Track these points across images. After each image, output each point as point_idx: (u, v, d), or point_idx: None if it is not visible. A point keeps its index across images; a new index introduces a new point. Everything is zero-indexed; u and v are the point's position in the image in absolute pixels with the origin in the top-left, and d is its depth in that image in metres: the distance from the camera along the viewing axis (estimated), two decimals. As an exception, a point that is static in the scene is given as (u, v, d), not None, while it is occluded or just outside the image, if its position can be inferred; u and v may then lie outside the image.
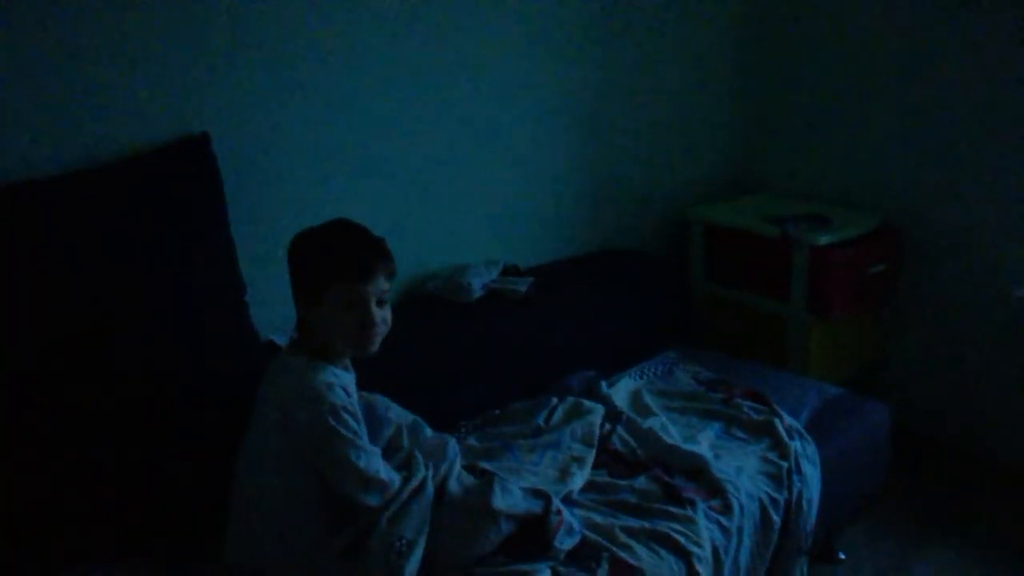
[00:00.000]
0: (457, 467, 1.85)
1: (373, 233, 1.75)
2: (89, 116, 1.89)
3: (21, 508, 1.65)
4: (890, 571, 2.54)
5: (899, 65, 2.96)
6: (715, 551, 1.90)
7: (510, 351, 2.44)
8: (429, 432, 1.97)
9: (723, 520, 1.96)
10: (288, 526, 1.66)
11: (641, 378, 2.58)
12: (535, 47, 2.67)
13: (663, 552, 1.83)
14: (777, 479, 2.11)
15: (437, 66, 2.45)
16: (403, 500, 1.69)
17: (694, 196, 3.26)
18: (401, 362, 2.15)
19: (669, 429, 2.26)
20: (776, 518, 2.06)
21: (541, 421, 2.20)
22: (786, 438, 2.22)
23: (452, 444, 1.91)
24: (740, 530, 1.99)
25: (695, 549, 1.85)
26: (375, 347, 1.74)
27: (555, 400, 2.28)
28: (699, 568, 1.84)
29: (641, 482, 2.03)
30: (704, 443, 2.21)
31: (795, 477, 2.13)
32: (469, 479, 1.82)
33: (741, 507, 2.01)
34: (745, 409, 2.35)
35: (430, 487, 1.74)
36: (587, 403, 2.26)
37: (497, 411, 2.32)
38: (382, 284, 1.71)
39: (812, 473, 2.18)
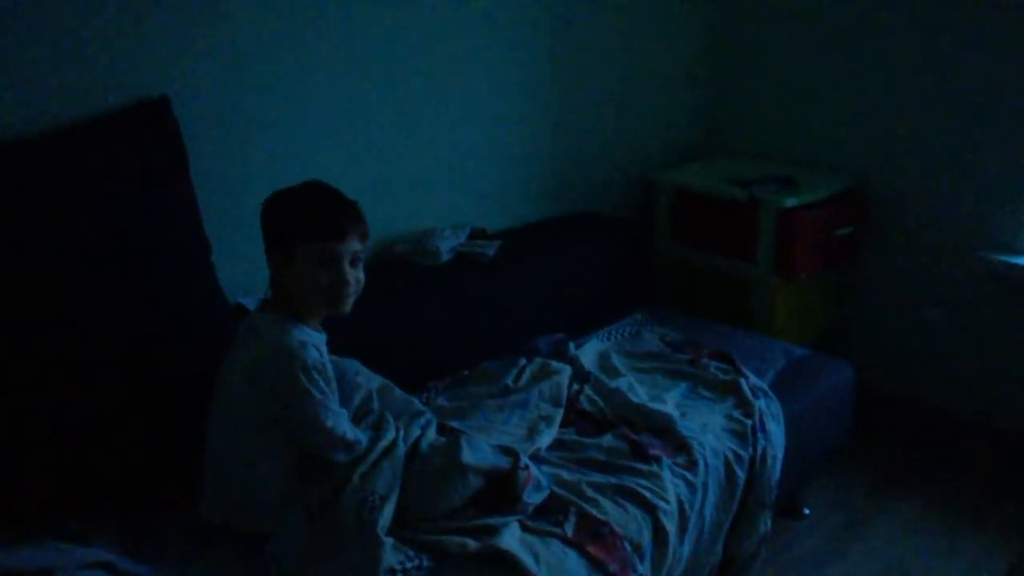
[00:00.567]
0: (432, 428, 1.87)
1: (346, 195, 1.76)
2: (46, 81, 1.86)
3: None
4: (853, 525, 2.60)
5: (865, 28, 2.98)
6: (680, 505, 1.94)
7: (478, 314, 2.45)
8: (399, 393, 1.98)
9: (688, 475, 2.00)
10: (260, 481, 1.68)
11: (609, 339, 2.61)
12: (501, 11, 2.65)
13: (629, 506, 1.87)
14: (742, 436, 2.15)
15: (403, 31, 2.43)
16: (374, 459, 1.71)
17: (661, 159, 3.27)
18: (371, 325, 2.17)
19: (636, 389, 2.29)
20: (740, 474, 2.10)
21: (510, 381, 2.22)
22: (751, 397, 2.25)
23: (421, 406, 1.95)
24: (705, 485, 2.02)
25: (661, 503, 1.89)
26: (348, 307, 1.76)
27: (523, 361, 2.30)
28: (664, 521, 1.88)
29: (608, 440, 2.06)
30: (670, 402, 2.24)
31: (759, 434, 2.17)
32: (438, 438, 1.84)
33: (706, 463, 2.04)
34: (711, 369, 2.39)
35: (401, 446, 1.76)
36: (555, 364, 2.29)
37: (466, 372, 2.33)
38: (355, 244, 1.73)
39: (776, 430, 2.22)
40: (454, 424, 2.00)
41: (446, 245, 2.50)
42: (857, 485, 2.77)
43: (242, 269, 2.01)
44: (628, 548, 1.79)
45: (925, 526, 2.59)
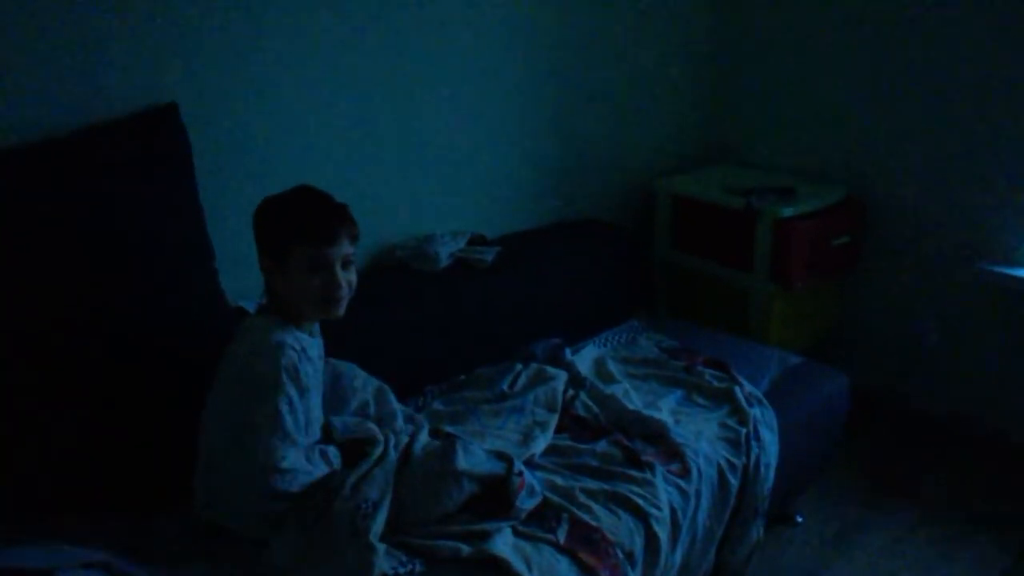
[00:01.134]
0: (424, 431, 1.89)
1: (335, 199, 1.78)
2: (57, 87, 1.88)
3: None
4: (846, 533, 2.61)
5: (866, 38, 3.00)
6: (673, 513, 1.96)
7: (476, 319, 2.47)
8: (394, 399, 2.01)
9: (681, 483, 2.02)
10: (243, 482, 1.68)
11: (605, 346, 2.62)
12: (502, 18, 2.67)
13: (622, 513, 1.88)
14: (736, 444, 2.17)
15: (405, 39, 2.45)
16: (367, 467, 1.73)
17: (660, 167, 3.29)
18: (369, 329, 2.19)
19: (631, 395, 2.31)
20: (734, 482, 2.12)
21: (505, 387, 2.24)
22: (745, 405, 2.27)
23: (412, 411, 1.98)
24: (698, 493, 2.04)
25: (653, 511, 1.91)
26: (341, 310, 1.77)
27: (519, 366, 2.32)
28: (657, 529, 1.89)
29: (602, 446, 2.08)
30: (665, 409, 2.26)
31: (753, 443, 2.18)
32: (432, 442, 1.86)
33: (699, 471, 2.06)
34: (706, 377, 2.40)
35: (392, 453, 1.78)
36: (550, 369, 2.30)
37: (462, 377, 2.35)
38: (346, 247, 1.74)
39: (770, 439, 2.24)
40: (449, 429, 2.02)
41: (445, 251, 2.51)
42: (851, 493, 2.78)
43: (244, 274, 2.02)
44: (620, 555, 1.81)
45: (918, 534, 2.60)
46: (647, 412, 2.21)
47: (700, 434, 2.17)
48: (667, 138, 3.33)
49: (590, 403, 2.24)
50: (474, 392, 2.26)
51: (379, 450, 1.76)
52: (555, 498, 1.88)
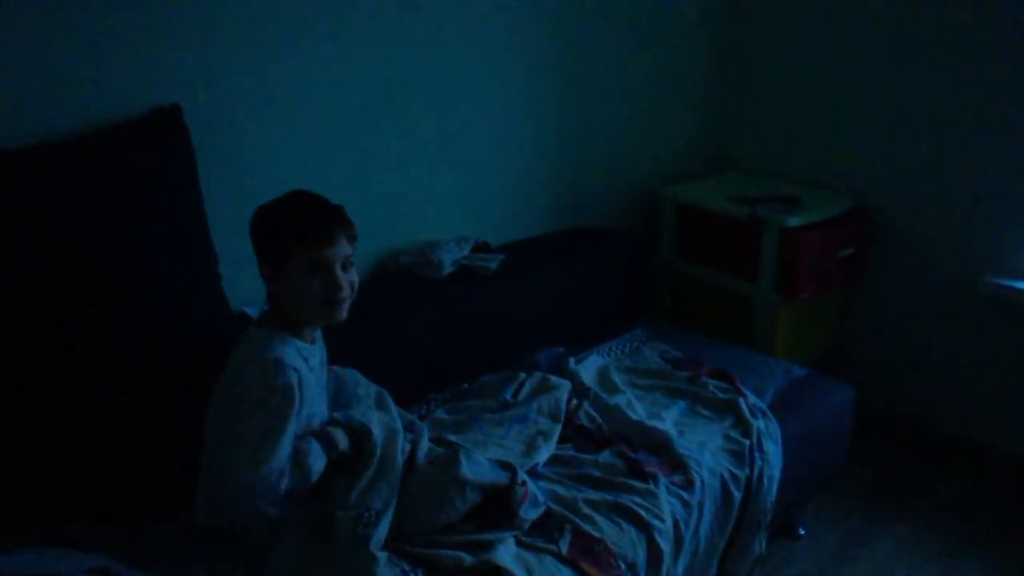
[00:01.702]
0: (424, 439, 1.88)
1: (330, 201, 1.76)
2: (60, 89, 1.87)
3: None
4: (849, 546, 2.60)
5: (874, 49, 2.99)
6: (676, 524, 1.95)
7: (480, 327, 2.46)
8: (393, 404, 2.00)
9: (684, 494, 2.01)
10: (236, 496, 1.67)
11: (609, 355, 2.61)
12: (506, 24, 2.67)
13: (625, 524, 1.88)
14: (739, 456, 2.16)
15: (410, 44, 2.45)
16: (371, 475, 1.71)
17: (665, 174, 3.28)
18: (372, 335, 2.18)
19: (635, 406, 2.30)
20: (737, 494, 2.11)
21: (509, 396, 2.23)
22: (749, 416, 2.26)
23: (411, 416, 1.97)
24: (701, 505, 2.03)
25: (656, 522, 1.90)
26: (343, 313, 1.75)
27: (523, 375, 2.31)
28: (659, 540, 1.88)
29: (605, 456, 2.07)
30: (668, 420, 2.25)
31: (757, 454, 2.17)
32: (435, 450, 1.85)
33: (703, 482, 2.05)
34: (710, 387, 2.39)
35: (399, 461, 1.76)
36: (554, 379, 2.29)
37: (466, 385, 2.34)
38: (345, 247, 1.72)
39: (774, 451, 2.23)
40: (452, 437, 2.01)
41: (449, 257, 2.50)
42: (854, 506, 2.77)
43: (247, 278, 2.01)
44: (622, 566, 1.80)
45: (921, 549, 2.59)
46: (650, 423, 2.20)
47: (704, 445, 2.16)
48: (672, 146, 3.32)
49: (593, 413, 2.23)
50: (477, 401, 2.25)
51: (378, 451, 1.74)
52: (558, 508, 1.87)
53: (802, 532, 2.64)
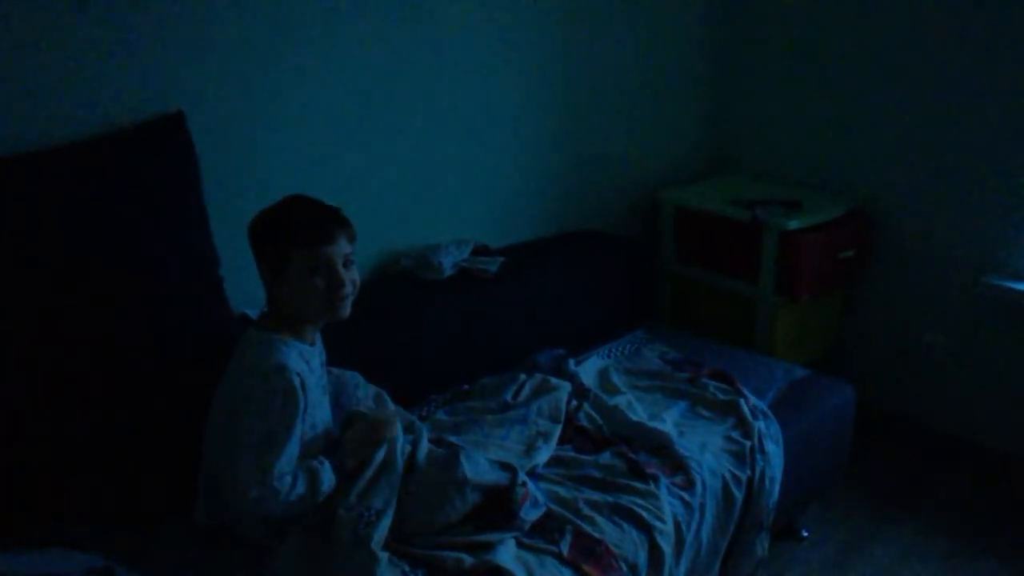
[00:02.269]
0: (424, 440, 1.88)
1: (327, 203, 1.78)
2: (63, 94, 1.88)
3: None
4: (852, 548, 2.59)
5: (873, 50, 3.00)
6: (677, 526, 1.95)
7: (480, 329, 2.46)
8: (391, 404, 2.01)
9: (686, 496, 2.01)
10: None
11: (609, 357, 2.61)
12: (507, 28, 2.67)
13: (626, 525, 1.87)
14: (740, 457, 2.15)
15: (411, 49, 2.45)
16: (371, 475, 1.72)
17: (666, 177, 3.28)
18: (372, 337, 2.19)
19: (635, 407, 2.30)
20: (738, 495, 2.11)
21: (509, 397, 2.23)
22: (750, 417, 2.25)
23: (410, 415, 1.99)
24: (702, 506, 2.03)
25: (657, 523, 1.89)
26: (346, 310, 1.76)
27: (523, 377, 2.31)
28: (661, 541, 1.88)
29: (606, 457, 2.06)
30: (669, 421, 2.25)
31: (758, 456, 2.17)
32: (436, 451, 1.85)
33: (704, 483, 2.05)
34: (711, 389, 2.39)
35: (399, 463, 1.77)
36: (554, 380, 2.29)
37: (466, 386, 2.34)
38: (345, 246, 1.74)
39: (775, 452, 2.22)
40: (452, 439, 2.01)
41: (449, 260, 2.51)
42: (856, 507, 2.77)
43: (248, 281, 2.01)
44: (624, 568, 1.80)
45: (924, 550, 2.58)
46: (651, 424, 2.19)
47: (704, 446, 2.16)
48: (672, 149, 3.32)
49: (594, 414, 2.23)
50: (477, 402, 2.25)
51: (382, 454, 1.74)
52: (558, 510, 1.87)
53: (805, 534, 2.63)
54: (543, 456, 2.03)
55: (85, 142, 1.89)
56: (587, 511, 1.88)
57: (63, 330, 1.72)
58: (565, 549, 1.77)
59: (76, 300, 1.74)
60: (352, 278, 1.75)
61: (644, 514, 1.90)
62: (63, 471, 1.72)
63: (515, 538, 1.77)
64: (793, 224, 2.82)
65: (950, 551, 2.58)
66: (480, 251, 2.65)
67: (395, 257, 2.56)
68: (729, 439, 2.21)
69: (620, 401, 2.30)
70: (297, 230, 1.70)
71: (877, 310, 3.17)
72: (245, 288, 2.05)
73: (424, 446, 1.82)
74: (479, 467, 1.77)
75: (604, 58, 2.98)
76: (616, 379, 2.44)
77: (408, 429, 2.01)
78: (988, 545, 2.59)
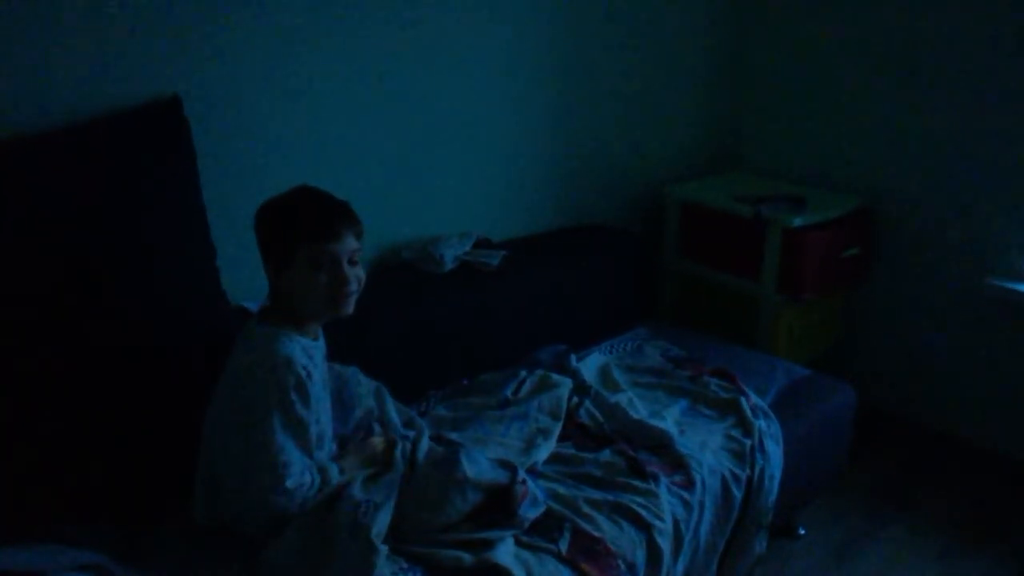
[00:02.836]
0: (425, 438, 1.88)
1: (337, 196, 1.75)
2: (58, 78, 1.85)
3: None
4: (849, 546, 2.59)
5: (881, 49, 2.98)
6: (676, 524, 1.94)
7: (481, 323, 2.44)
8: (391, 401, 2.01)
9: (685, 494, 2.00)
10: (247, 492, 1.66)
11: (610, 353, 2.60)
12: (511, 20, 2.65)
13: (624, 524, 1.87)
14: (740, 456, 2.15)
15: (413, 39, 2.43)
16: (372, 472, 1.72)
17: (670, 172, 3.27)
18: (372, 331, 2.17)
19: (636, 404, 2.29)
20: (738, 494, 2.10)
21: (509, 393, 2.22)
22: (751, 416, 2.25)
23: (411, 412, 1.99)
24: (701, 504, 2.02)
25: (656, 522, 1.89)
26: (350, 308, 1.74)
27: (524, 373, 2.30)
28: (659, 540, 1.87)
29: (606, 455, 2.05)
30: (669, 419, 2.24)
31: (758, 455, 2.16)
32: (436, 449, 1.84)
33: (703, 482, 2.04)
34: (712, 387, 2.38)
35: (400, 462, 1.77)
36: (555, 376, 2.28)
37: (466, 381, 2.33)
38: (351, 243, 1.71)
39: (775, 451, 2.22)
40: (452, 435, 2.00)
41: (450, 253, 2.49)
42: (854, 506, 2.76)
43: (246, 273, 2.00)
44: (622, 566, 1.79)
45: (921, 549, 2.58)
46: (651, 422, 2.19)
47: (705, 445, 2.15)
48: (677, 144, 3.31)
49: (595, 411, 2.22)
50: (478, 398, 2.23)
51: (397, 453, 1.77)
52: (558, 508, 1.86)
53: (802, 532, 2.63)
54: (543, 453, 2.02)
55: (75, 127, 1.85)
56: (586, 509, 1.87)
57: (54, 321, 1.69)
58: (564, 548, 1.76)
59: (67, 291, 1.71)
60: (358, 275, 1.73)
61: (643, 513, 1.89)
62: (58, 467, 1.70)
63: (514, 536, 1.75)
64: (797, 221, 2.80)
65: (947, 550, 2.57)
66: (482, 244, 2.63)
67: (396, 249, 2.54)
68: (729, 437, 2.20)
69: (621, 398, 2.29)
70: (303, 224, 1.68)
71: (880, 309, 3.16)
72: (243, 280, 2.03)
73: (425, 444, 1.81)
74: (480, 466, 1.76)
75: (610, 51, 2.95)
76: (617, 376, 2.43)
77: (408, 425, 2.01)
78: (986, 545, 2.59)
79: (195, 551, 1.67)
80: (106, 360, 1.74)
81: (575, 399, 2.25)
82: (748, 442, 2.17)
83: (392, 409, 2.01)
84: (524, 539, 1.77)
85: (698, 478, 2.04)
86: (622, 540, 1.83)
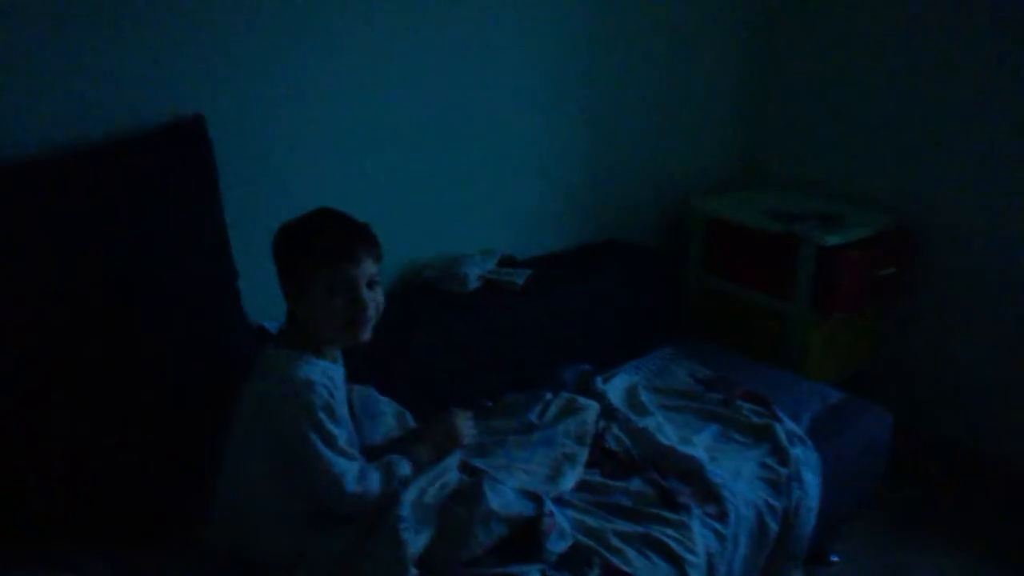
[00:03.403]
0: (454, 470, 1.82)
1: (355, 219, 1.72)
2: (81, 97, 1.83)
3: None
4: (882, 574, 2.50)
5: (918, 57, 2.90)
6: (709, 558, 1.86)
7: (505, 342, 2.40)
8: (412, 424, 1.96)
9: (718, 527, 1.92)
10: (271, 520, 1.64)
11: (637, 373, 2.52)
12: (533, 34, 2.61)
13: (655, 558, 1.79)
14: (776, 486, 2.07)
15: (437, 56, 2.40)
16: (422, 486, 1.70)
17: (697, 187, 3.20)
18: (394, 352, 2.13)
19: (665, 429, 2.21)
20: (774, 526, 2.02)
21: (534, 417, 2.14)
22: (787, 444, 2.17)
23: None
24: (736, 538, 1.95)
25: (688, 556, 1.81)
26: (367, 334, 1.70)
27: (549, 395, 2.22)
28: (691, 574, 1.80)
29: (635, 484, 1.98)
30: (700, 445, 2.16)
31: (795, 485, 2.08)
32: (461, 479, 1.78)
33: (737, 514, 1.96)
34: (744, 411, 2.30)
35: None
36: (581, 400, 2.21)
37: (490, 403, 2.27)
38: (370, 267, 1.68)
39: (812, 481, 2.14)
40: (476, 462, 1.93)
41: (475, 272, 2.44)
42: (889, 532, 2.68)
43: (267, 293, 1.95)
44: (653, 603, 1.72)
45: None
46: (682, 448, 2.11)
47: (738, 474, 2.07)
48: (704, 158, 3.24)
49: (622, 436, 2.15)
50: (501, 421, 2.16)
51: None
52: (586, 541, 1.78)
53: (834, 559, 2.54)
54: (570, 481, 1.94)
55: (98, 146, 1.84)
56: (616, 542, 1.79)
57: (74, 339, 1.67)
58: (593, 583, 1.69)
59: (87, 309, 1.68)
60: (376, 300, 1.69)
61: (675, 546, 1.82)
62: (68, 490, 1.67)
63: (541, 571, 1.69)
64: (832, 239, 2.72)
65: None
66: (506, 262, 2.58)
67: (418, 268, 2.50)
68: (764, 466, 2.12)
69: (649, 423, 2.21)
70: (320, 247, 1.65)
71: (915, 329, 3.07)
72: (263, 299, 1.98)
73: (452, 477, 1.75)
74: (505, 498, 1.70)
75: (634, 64, 2.90)
76: (645, 398, 2.35)
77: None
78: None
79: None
80: (123, 379, 1.71)
81: (601, 423, 2.18)
82: (784, 471, 2.09)
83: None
84: (552, 574, 1.70)
85: (732, 509, 1.96)
86: (654, 574, 1.76)
